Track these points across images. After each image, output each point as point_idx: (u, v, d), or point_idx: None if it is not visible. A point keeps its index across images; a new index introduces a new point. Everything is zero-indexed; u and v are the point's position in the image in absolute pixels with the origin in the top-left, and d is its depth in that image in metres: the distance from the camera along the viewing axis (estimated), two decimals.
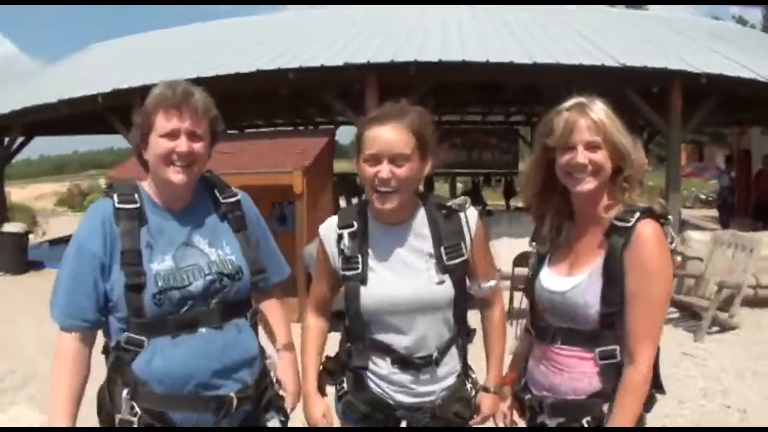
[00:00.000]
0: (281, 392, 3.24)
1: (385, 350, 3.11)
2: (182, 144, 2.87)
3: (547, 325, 2.98)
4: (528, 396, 3.06)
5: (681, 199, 17.53)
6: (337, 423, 3.28)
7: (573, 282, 2.83)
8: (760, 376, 8.37)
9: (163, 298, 2.83)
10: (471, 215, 3.11)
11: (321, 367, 3.32)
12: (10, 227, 17.25)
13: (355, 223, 3.14)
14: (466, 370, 3.27)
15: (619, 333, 2.76)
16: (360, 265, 3.09)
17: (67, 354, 2.88)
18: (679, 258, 11.24)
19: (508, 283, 10.05)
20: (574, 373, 2.84)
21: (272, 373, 3.22)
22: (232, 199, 3.18)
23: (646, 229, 2.69)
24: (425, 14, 20.58)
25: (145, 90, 11.44)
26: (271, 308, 3.38)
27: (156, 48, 21.05)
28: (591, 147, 2.75)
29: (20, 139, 20.17)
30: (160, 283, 2.84)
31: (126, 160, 14.18)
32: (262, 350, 3.19)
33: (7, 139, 19.64)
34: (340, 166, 30.71)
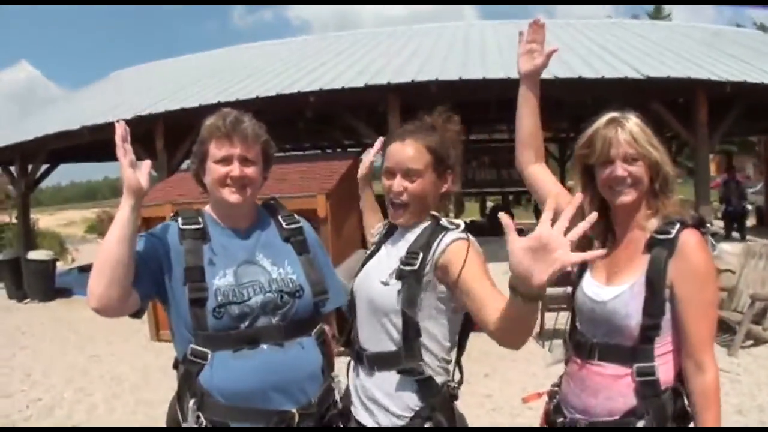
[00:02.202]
0: None
1: (354, 340, 3.19)
2: (235, 168, 3.07)
3: (585, 339, 2.97)
4: (560, 419, 3.05)
5: (711, 210, 17.39)
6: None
7: (615, 292, 2.84)
8: None
9: (222, 312, 2.97)
10: (449, 236, 2.98)
11: None
12: (36, 254, 17.29)
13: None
14: (429, 407, 3.00)
15: (657, 350, 2.78)
16: (369, 253, 3.28)
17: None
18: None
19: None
20: (609, 393, 2.83)
21: (336, 392, 3.28)
22: (295, 225, 3.35)
23: (691, 238, 2.74)
24: (446, 33, 20.75)
25: (166, 117, 11.55)
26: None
27: (177, 74, 21.30)
28: (629, 160, 2.82)
29: (45, 166, 20.27)
30: (219, 298, 2.98)
31: (154, 185, 14.28)
32: (327, 369, 3.27)
33: (31, 166, 19.73)
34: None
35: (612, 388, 2.82)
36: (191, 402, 2.98)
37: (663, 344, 2.78)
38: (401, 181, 3.01)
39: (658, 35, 19.75)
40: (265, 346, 3.03)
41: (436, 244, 2.99)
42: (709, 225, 2.90)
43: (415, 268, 2.96)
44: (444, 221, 3.07)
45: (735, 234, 20.68)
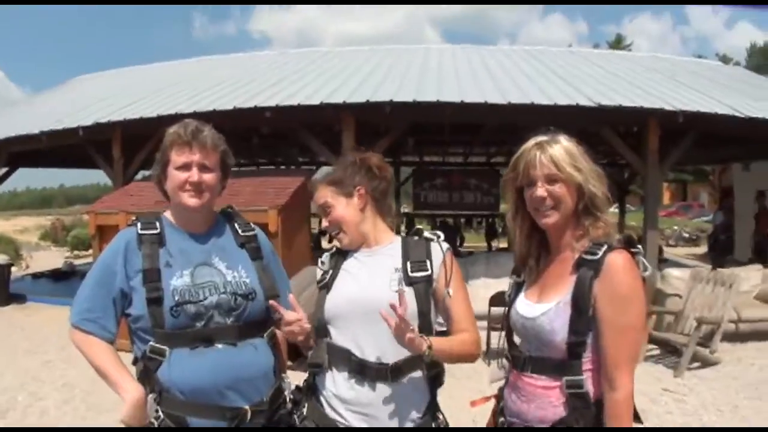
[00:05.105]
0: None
1: (345, 360, 3.22)
2: (194, 175, 3.27)
3: (520, 353, 3.10)
4: (501, 419, 3.21)
5: (661, 237, 17.50)
6: None
7: (542, 309, 2.94)
8: (740, 410, 8.45)
9: (179, 311, 3.16)
10: (441, 244, 3.37)
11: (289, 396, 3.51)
12: None
13: (336, 248, 3.52)
14: (433, 408, 3.34)
15: (585, 364, 2.87)
16: (329, 277, 3.40)
17: (84, 339, 3.25)
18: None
19: (485, 323, 10.03)
20: (541, 402, 2.94)
21: (287, 392, 3.48)
22: (250, 233, 3.58)
23: (616, 259, 2.81)
24: (404, 55, 20.94)
25: (124, 125, 11.53)
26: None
27: (136, 83, 21.15)
28: (549, 180, 2.92)
29: (3, 170, 20.09)
30: (176, 297, 3.17)
31: (109, 193, 14.38)
32: (278, 369, 3.49)
33: None
34: None
35: (543, 398, 2.93)
36: (150, 396, 3.15)
37: (590, 359, 2.87)
38: (325, 218, 3.46)
39: (616, 65, 19.93)
40: (219, 345, 3.22)
41: (434, 251, 3.33)
42: (639, 246, 2.99)
43: (429, 273, 3.26)
44: (426, 233, 3.41)
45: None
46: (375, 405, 3.17)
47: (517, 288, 3.22)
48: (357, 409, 3.19)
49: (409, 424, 3.21)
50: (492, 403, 3.38)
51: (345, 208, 3.39)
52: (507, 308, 3.24)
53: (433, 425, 3.29)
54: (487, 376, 3.56)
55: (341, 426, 3.22)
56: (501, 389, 3.30)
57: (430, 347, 3.05)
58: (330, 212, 3.40)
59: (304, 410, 3.37)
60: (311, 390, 3.40)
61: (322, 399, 3.31)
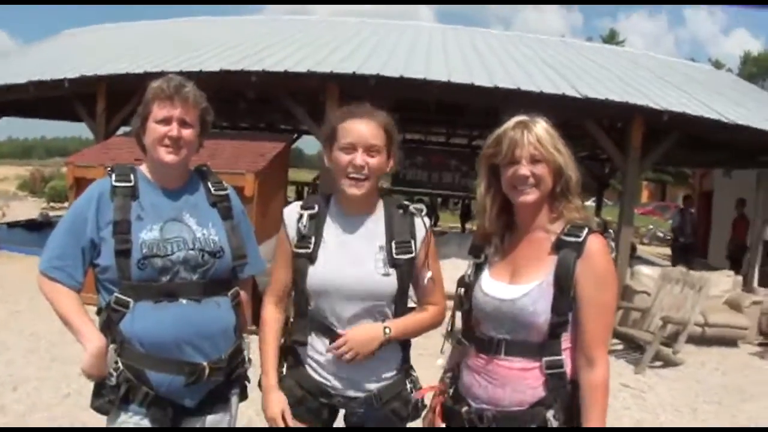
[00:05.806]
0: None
1: (325, 331, 3.31)
2: (174, 129, 3.27)
3: (489, 337, 3.05)
4: (465, 408, 3.11)
5: (636, 234, 17.53)
6: (290, 420, 3.34)
7: (523, 290, 2.93)
8: (698, 413, 8.48)
9: (146, 263, 3.18)
10: (424, 220, 3.40)
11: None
12: None
13: (316, 206, 3.40)
14: (407, 368, 3.49)
15: (564, 343, 2.92)
16: (312, 245, 3.32)
17: (50, 286, 3.26)
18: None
19: (451, 303, 9.99)
20: (517, 385, 2.93)
21: (245, 352, 3.54)
22: (223, 192, 3.57)
23: (596, 243, 2.89)
24: (394, 30, 20.94)
25: (110, 80, 11.37)
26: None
27: (128, 39, 21.00)
28: (533, 161, 2.93)
29: None
30: (144, 250, 3.19)
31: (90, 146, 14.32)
32: (239, 329, 3.51)
33: None
34: (302, 176, 30.35)
35: (520, 381, 2.93)
36: (111, 347, 3.18)
37: (567, 339, 2.91)
38: (363, 156, 3.22)
39: (607, 59, 19.95)
40: (183, 301, 3.25)
41: (418, 229, 3.35)
42: (611, 231, 3.03)
43: (413, 255, 3.29)
44: (411, 207, 3.39)
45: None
46: (355, 369, 3.27)
47: (477, 269, 3.21)
48: (337, 373, 3.30)
49: (384, 383, 3.34)
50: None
51: (385, 162, 3.33)
52: (464, 289, 3.24)
53: (407, 382, 3.41)
54: (442, 359, 3.56)
55: (326, 387, 3.33)
56: (450, 377, 3.32)
57: (388, 338, 3.28)
58: (375, 156, 3.25)
59: (283, 370, 3.42)
60: (293, 354, 3.44)
61: (306, 364, 3.38)
